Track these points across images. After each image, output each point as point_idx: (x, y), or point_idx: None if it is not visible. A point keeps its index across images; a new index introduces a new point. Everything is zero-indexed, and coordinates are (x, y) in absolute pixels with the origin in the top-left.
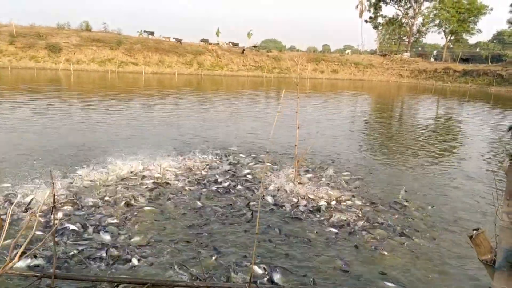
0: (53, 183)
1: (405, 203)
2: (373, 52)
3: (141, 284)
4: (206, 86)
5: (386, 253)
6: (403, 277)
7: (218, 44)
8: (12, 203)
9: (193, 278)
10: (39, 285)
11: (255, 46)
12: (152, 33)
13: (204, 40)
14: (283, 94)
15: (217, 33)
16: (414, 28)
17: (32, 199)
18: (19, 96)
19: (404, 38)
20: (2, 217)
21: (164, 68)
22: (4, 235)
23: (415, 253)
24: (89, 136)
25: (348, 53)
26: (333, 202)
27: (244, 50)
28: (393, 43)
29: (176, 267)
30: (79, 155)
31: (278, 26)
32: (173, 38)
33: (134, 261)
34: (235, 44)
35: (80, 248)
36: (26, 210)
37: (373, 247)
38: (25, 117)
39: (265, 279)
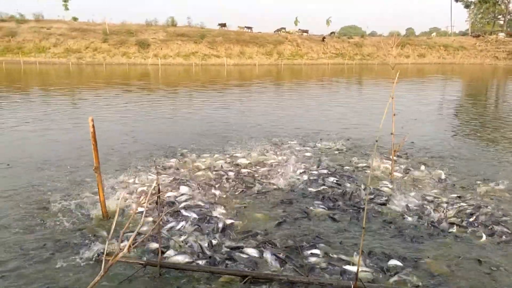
0: (158, 172)
1: None
2: (463, 34)
3: (242, 276)
4: (290, 75)
5: None
6: None
7: (289, 32)
8: (120, 194)
9: (295, 272)
10: (144, 274)
11: (332, 33)
12: (224, 25)
13: (279, 30)
14: (396, 77)
15: (295, 22)
16: (511, 6)
17: (141, 190)
18: (125, 89)
19: (499, 17)
20: (111, 207)
21: (245, 59)
22: (114, 225)
23: None
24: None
25: (434, 35)
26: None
27: (324, 37)
28: (486, 22)
29: (274, 260)
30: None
31: (358, 11)
32: (245, 27)
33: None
34: (305, 31)
35: (185, 237)
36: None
37: None
38: (134, 109)
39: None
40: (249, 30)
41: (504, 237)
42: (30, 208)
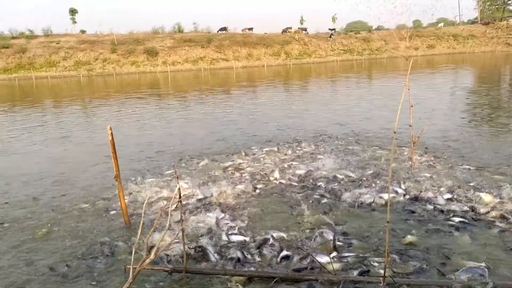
0: (177, 177)
1: None
2: (472, 22)
3: (270, 278)
4: (301, 74)
5: None
6: None
7: (290, 31)
8: (145, 201)
9: (323, 271)
10: (171, 280)
11: (331, 29)
12: (224, 29)
13: (286, 30)
14: (410, 64)
15: (301, 21)
16: None
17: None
18: (143, 97)
19: (509, 2)
20: (135, 214)
21: (253, 61)
22: (140, 232)
23: None
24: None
25: (441, 26)
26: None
27: (331, 35)
28: (495, 9)
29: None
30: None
31: (363, 6)
32: (246, 29)
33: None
34: (304, 29)
35: (211, 242)
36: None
37: None
38: (153, 115)
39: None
40: (250, 31)
41: None
42: (52, 216)
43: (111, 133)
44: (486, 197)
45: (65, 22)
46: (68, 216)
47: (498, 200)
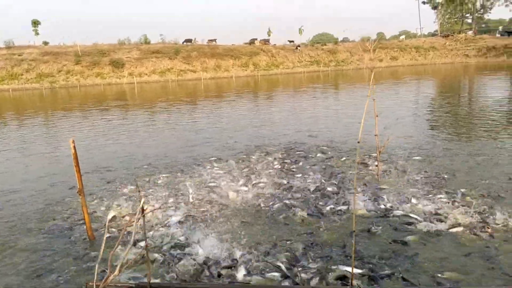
0: (139, 191)
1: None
2: (433, 34)
3: None
4: (269, 85)
5: None
6: None
7: (255, 43)
8: (108, 215)
9: (292, 282)
10: None
11: (291, 41)
12: (190, 40)
13: (252, 40)
14: (372, 75)
15: (269, 33)
16: (478, 4)
17: (113, 214)
18: (112, 110)
19: (467, 15)
20: (98, 230)
21: (221, 72)
22: (103, 247)
23: None
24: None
25: (403, 38)
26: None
27: (298, 46)
28: (454, 22)
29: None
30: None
31: (329, 19)
32: (208, 40)
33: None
34: (266, 40)
35: (176, 255)
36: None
37: None
38: (125, 129)
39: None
40: (213, 43)
41: None
42: (13, 232)
43: (74, 146)
44: (445, 205)
45: (28, 34)
46: (28, 231)
47: (452, 206)
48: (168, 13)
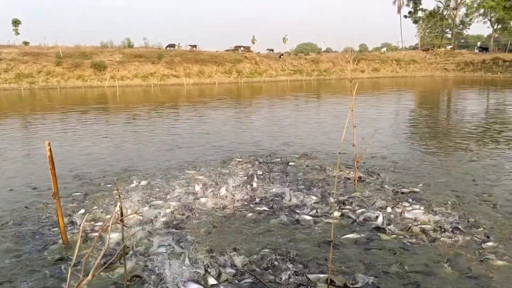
0: (119, 195)
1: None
2: (413, 48)
3: None
4: (252, 93)
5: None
6: None
7: (238, 50)
8: (83, 219)
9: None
10: None
11: (270, 50)
12: (173, 45)
13: (236, 48)
14: (355, 90)
15: (253, 41)
16: (457, 20)
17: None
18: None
19: (447, 30)
20: (74, 233)
21: (204, 78)
22: (76, 251)
23: None
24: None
25: (384, 50)
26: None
27: (281, 55)
28: (434, 36)
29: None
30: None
31: (313, 29)
32: (189, 45)
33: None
34: (247, 48)
35: (151, 262)
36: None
37: None
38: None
39: None
40: (194, 48)
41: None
42: None
43: (50, 149)
44: (421, 216)
45: (7, 33)
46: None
47: (430, 217)
48: (152, 16)
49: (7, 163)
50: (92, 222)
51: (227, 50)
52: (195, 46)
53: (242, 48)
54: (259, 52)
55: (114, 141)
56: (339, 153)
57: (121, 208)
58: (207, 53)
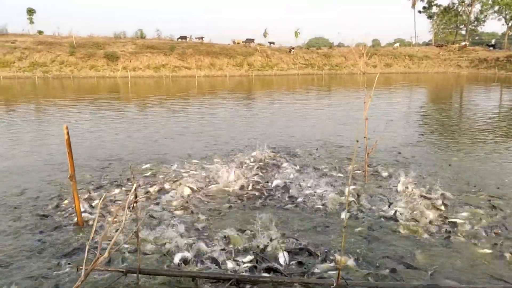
0: (134, 177)
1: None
2: (427, 44)
3: (226, 280)
4: (263, 86)
5: None
6: None
7: (238, 42)
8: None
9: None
10: (124, 281)
11: (271, 42)
12: (184, 38)
13: (248, 41)
14: (373, 79)
15: (265, 34)
16: (472, 16)
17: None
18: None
19: (461, 27)
20: (92, 214)
21: (215, 71)
22: (93, 231)
23: None
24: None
25: (397, 46)
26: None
27: (292, 48)
28: (449, 32)
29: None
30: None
31: (325, 24)
32: (196, 38)
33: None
34: (251, 40)
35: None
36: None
37: None
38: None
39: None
40: (201, 40)
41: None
42: (4, 219)
43: (67, 132)
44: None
45: (22, 22)
46: (18, 218)
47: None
48: (164, 8)
49: (22, 148)
50: (110, 204)
51: (241, 42)
52: (202, 38)
53: (256, 44)
54: (270, 45)
55: (128, 131)
56: (357, 141)
57: (136, 190)
58: (218, 45)
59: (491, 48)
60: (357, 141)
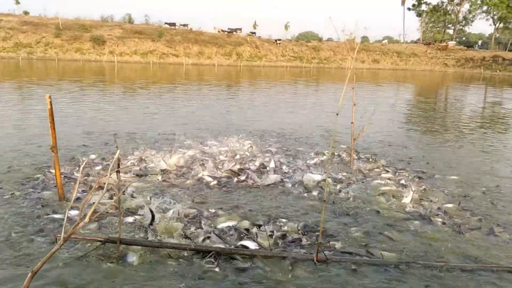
0: (117, 147)
1: None
2: (415, 41)
3: (206, 252)
4: (251, 76)
5: None
6: None
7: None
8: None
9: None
10: (103, 251)
11: (253, 33)
12: (173, 24)
13: (232, 30)
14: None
15: (254, 26)
16: (460, 15)
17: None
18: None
19: (449, 26)
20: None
21: (204, 59)
22: (75, 194)
23: None
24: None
25: (386, 43)
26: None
27: (278, 39)
28: (437, 31)
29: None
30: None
31: (314, 19)
32: (180, 25)
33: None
34: (234, 30)
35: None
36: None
37: None
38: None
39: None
40: (185, 27)
41: None
42: None
43: (50, 101)
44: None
45: (7, 2)
46: None
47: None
48: None
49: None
50: (92, 174)
51: (226, 31)
52: (186, 25)
53: (246, 34)
54: (260, 36)
55: (118, 109)
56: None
57: (119, 159)
58: (207, 34)
59: (470, 48)
60: (337, 114)
